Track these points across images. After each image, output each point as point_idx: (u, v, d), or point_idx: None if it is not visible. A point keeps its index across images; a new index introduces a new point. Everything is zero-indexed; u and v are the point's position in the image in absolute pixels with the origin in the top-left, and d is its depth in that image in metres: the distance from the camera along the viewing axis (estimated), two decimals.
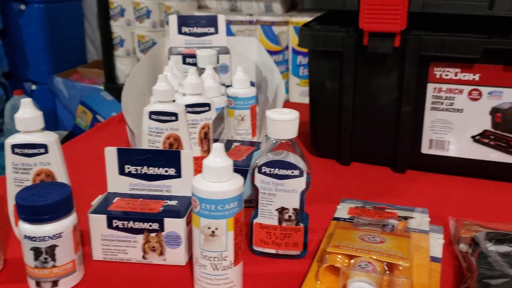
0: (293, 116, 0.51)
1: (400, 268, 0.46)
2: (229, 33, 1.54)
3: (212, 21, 0.83)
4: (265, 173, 0.51)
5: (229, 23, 1.53)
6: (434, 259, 0.53)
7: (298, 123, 0.51)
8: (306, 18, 1.43)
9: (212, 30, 0.83)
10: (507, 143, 0.68)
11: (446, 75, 0.67)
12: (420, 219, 0.60)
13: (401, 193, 0.69)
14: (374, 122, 0.73)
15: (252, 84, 0.82)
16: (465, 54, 0.64)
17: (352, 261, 0.47)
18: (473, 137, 0.69)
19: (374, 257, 0.46)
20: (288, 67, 1.52)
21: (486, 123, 0.68)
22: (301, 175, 0.51)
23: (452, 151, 0.71)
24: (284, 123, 0.51)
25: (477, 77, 0.66)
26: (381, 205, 0.63)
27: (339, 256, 0.47)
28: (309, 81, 0.75)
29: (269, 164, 0.51)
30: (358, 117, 0.73)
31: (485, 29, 0.65)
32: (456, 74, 0.67)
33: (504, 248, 0.49)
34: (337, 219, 0.60)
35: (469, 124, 0.68)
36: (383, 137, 0.73)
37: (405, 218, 0.59)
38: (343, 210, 0.62)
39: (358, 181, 0.73)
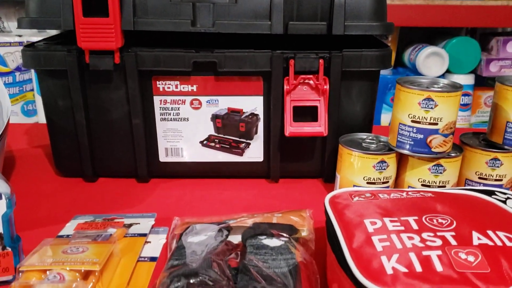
0: None
1: (96, 273, 0.48)
2: None
3: None
4: None
5: None
6: (152, 259, 0.57)
7: None
8: None
9: None
10: (229, 144, 0.76)
11: (168, 87, 0.73)
12: (145, 224, 0.63)
13: (143, 201, 0.72)
14: (111, 136, 0.75)
15: None
16: (178, 67, 0.70)
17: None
18: (201, 142, 0.76)
19: (68, 268, 0.47)
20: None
21: (210, 129, 0.75)
22: None
23: (186, 157, 0.76)
24: None
25: (195, 88, 0.73)
26: (112, 217, 0.65)
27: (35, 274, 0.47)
28: (42, 101, 0.74)
29: None
30: (95, 133, 0.75)
31: (202, 43, 0.72)
32: (176, 86, 0.73)
33: (199, 238, 0.55)
34: (60, 236, 0.60)
35: (196, 131, 0.75)
36: (122, 150, 0.76)
37: (130, 225, 0.62)
38: (70, 227, 0.62)
39: (102, 196, 0.74)
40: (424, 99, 0.63)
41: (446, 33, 1.55)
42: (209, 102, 0.74)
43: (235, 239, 0.57)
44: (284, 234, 0.56)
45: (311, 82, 0.72)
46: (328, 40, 0.78)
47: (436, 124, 0.64)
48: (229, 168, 0.77)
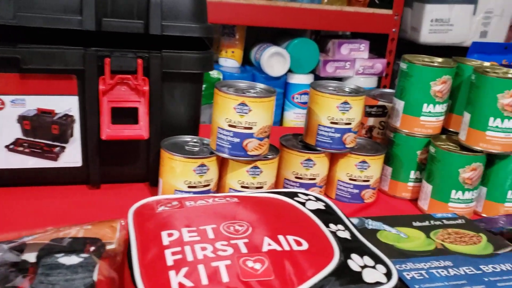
0: None
1: None
2: None
3: None
4: None
5: None
6: None
7: None
8: None
9: None
10: (41, 148, 0.69)
11: None
12: None
13: None
14: None
15: None
16: None
17: None
18: (6, 146, 0.68)
19: None
20: None
21: (17, 132, 0.67)
22: None
23: None
24: None
25: None
26: None
27: None
28: None
29: None
30: None
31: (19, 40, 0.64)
32: None
33: None
34: None
35: None
36: None
37: None
38: None
39: None
40: (239, 104, 0.64)
41: (291, 34, 1.62)
42: (14, 102, 0.66)
43: (34, 258, 0.52)
44: (91, 249, 0.53)
45: (130, 82, 0.68)
46: (162, 41, 0.75)
47: (251, 128, 0.65)
48: (42, 174, 0.71)
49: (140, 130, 0.69)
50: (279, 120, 1.63)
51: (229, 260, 0.43)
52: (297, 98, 1.53)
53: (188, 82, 0.72)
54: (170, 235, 0.46)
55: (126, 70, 0.67)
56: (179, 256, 0.43)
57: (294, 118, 1.55)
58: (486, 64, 0.81)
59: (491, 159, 0.73)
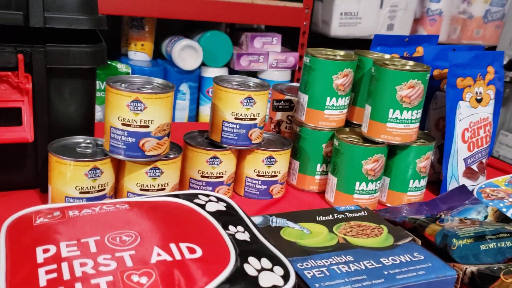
0: None
1: None
2: None
3: None
4: None
5: None
6: None
7: None
8: None
9: None
10: None
11: None
12: None
13: None
14: None
15: None
16: None
17: None
18: None
19: None
20: None
21: None
22: None
23: None
24: None
25: None
26: None
27: None
28: None
29: None
30: None
31: None
32: None
33: None
34: None
35: None
36: None
37: None
38: None
39: None
40: (132, 101, 0.59)
41: (204, 26, 1.58)
42: None
43: None
44: None
45: (11, 80, 0.61)
46: (53, 36, 0.67)
47: (148, 126, 0.61)
48: None
49: (24, 132, 0.62)
50: (194, 115, 1.59)
51: (111, 276, 0.39)
52: (212, 92, 1.49)
53: (79, 78, 0.66)
54: (46, 251, 0.41)
55: (4, 66, 0.60)
56: (53, 275, 0.39)
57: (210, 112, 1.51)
58: (387, 56, 0.83)
59: (392, 150, 0.75)
